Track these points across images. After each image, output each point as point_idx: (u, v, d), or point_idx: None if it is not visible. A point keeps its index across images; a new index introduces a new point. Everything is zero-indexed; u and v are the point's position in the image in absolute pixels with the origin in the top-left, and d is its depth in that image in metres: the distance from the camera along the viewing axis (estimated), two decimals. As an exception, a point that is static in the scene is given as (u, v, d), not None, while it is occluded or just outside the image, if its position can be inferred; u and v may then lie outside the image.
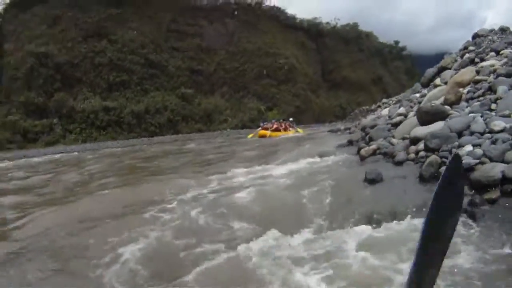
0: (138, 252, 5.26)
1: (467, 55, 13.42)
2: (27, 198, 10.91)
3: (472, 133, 6.32)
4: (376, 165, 7.78)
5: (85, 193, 10.66)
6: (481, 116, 6.96)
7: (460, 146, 6.04)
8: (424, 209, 5.00)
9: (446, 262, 3.66)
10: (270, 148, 18.19)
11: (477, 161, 5.30)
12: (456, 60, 13.94)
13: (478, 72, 10.57)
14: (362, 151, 9.68)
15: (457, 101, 9.22)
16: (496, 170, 4.93)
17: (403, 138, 8.86)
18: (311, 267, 4.20)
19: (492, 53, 11.89)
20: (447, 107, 8.75)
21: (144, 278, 4.61)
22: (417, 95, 14.36)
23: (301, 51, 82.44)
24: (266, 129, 34.97)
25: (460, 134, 6.50)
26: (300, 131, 38.58)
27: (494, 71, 9.87)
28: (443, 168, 5.72)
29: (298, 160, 11.27)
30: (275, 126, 35.83)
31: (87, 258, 5.34)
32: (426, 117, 8.35)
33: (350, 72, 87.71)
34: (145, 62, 63.02)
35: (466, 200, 4.83)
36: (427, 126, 7.88)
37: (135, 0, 65.40)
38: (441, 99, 9.90)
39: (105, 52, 60.49)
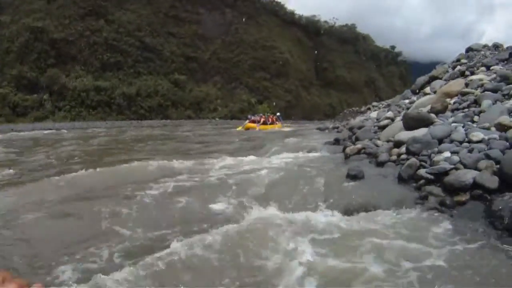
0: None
1: (458, 67, 13.76)
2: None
3: (452, 141, 6.68)
4: (360, 164, 8.13)
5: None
6: (463, 127, 7.33)
7: (439, 152, 6.39)
8: (396, 205, 5.44)
9: (417, 256, 4.00)
10: (257, 141, 18.42)
11: (452, 166, 5.69)
12: (447, 71, 14.27)
13: (467, 85, 10.90)
14: (348, 150, 10.00)
15: (443, 110, 9.56)
16: (468, 176, 5.32)
17: (388, 141, 9.18)
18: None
19: (483, 68, 12.23)
20: (432, 115, 9.07)
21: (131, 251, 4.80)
22: (406, 101, 14.70)
23: (297, 47, 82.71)
24: (254, 122, 35.16)
25: (440, 141, 6.85)
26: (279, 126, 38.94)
27: (482, 85, 10.20)
28: (420, 171, 6.11)
29: (285, 154, 11.57)
30: (262, 119, 36.13)
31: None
32: (412, 122, 8.69)
33: (343, 72, 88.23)
34: (141, 45, 62.94)
35: (437, 200, 5.24)
36: (412, 131, 8.21)
37: (135, -18, 65.21)
38: (429, 107, 10.22)
39: (101, 31, 60.34)
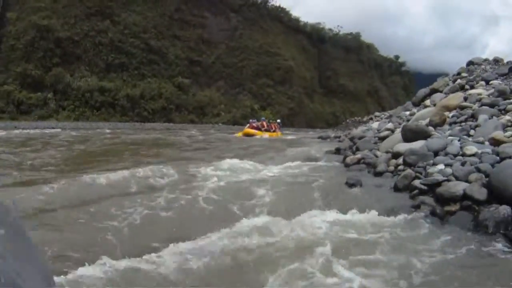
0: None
1: (458, 80, 14.04)
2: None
3: (446, 154, 7.00)
4: (358, 173, 8.47)
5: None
6: (458, 140, 7.64)
7: (434, 164, 6.72)
8: (389, 212, 5.75)
9: (407, 262, 4.30)
10: (257, 148, 18.59)
11: (445, 178, 6.02)
12: (448, 84, 14.53)
13: (465, 99, 11.21)
14: (348, 159, 10.32)
15: (441, 123, 9.87)
16: (458, 187, 5.66)
17: (387, 152, 9.47)
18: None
19: (482, 82, 12.52)
20: (431, 127, 9.39)
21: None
22: (407, 113, 14.96)
23: (301, 54, 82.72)
24: (253, 127, 34.33)
25: (436, 154, 7.17)
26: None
27: (480, 99, 10.50)
28: (414, 181, 6.43)
29: (286, 161, 11.76)
30: (263, 125, 35.37)
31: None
32: (410, 134, 9.01)
33: (347, 81, 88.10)
34: (146, 47, 62.96)
35: (429, 209, 5.57)
36: (410, 143, 8.51)
37: (141, -16, 65.35)
38: (428, 120, 10.52)
39: (107, 32, 60.31)
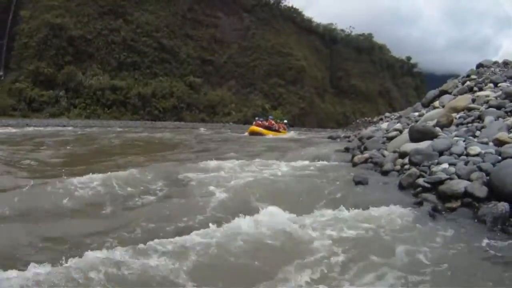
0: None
1: (467, 82, 14.09)
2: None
3: (451, 154, 7.17)
4: (366, 172, 8.68)
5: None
6: (464, 141, 7.80)
7: (439, 163, 6.89)
8: (390, 208, 6.01)
9: (409, 257, 4.50)
10: (266, 147, 18.77)
11: (448, 177, 6.22)
12: (457, 86, 14.60)
13: (473, 100, 11.32)
14: (355, 158, 10.50)
15: (448, 124, 10.00)
16: (460, 185, 5.86)
17: (394, 151, 9.62)
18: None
19: (491, 85, 12.56)
20: (437, 128, 9.54)
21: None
22: (416, 114, 15.05)
23: (313, 54, 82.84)
24: (259, 126, 34.31)
25: (441, 153, 7.34)
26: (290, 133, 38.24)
27: (488, 101, 10.61)
28: (418, 180, 6.63)
29: (296, 160, 11.97)
30: (271, 125, 35.35)
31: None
32: (417, 135, 9.17)
33: (358, 82, 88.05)
34: (158, 46, 63.42)
35: (430, 206, 5.77)
36: (416, 143, 8.68)
37: (154, -17, 65.76)
38: (435, 121, 10.66)
39: (120, 31, 60.86)
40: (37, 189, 7.46)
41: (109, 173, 8.25)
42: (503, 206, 5.19)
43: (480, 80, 13.74)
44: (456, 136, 8.52)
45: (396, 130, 12.44)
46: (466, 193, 5.75)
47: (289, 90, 70.99)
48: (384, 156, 9.90)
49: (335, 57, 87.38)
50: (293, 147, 17.97)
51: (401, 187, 7.07)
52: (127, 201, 7.11)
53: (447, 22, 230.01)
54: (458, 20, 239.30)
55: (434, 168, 6.73)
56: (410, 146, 8.66)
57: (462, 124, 9.75)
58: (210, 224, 5.27)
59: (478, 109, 10.35)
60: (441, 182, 6.17)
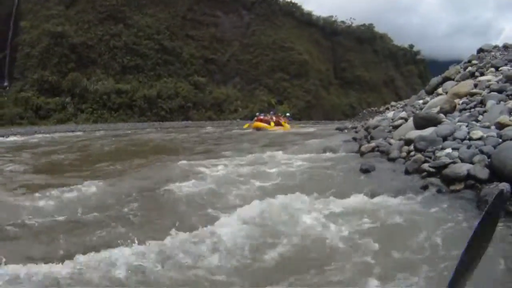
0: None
1: (469, 68, 14.25)
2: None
3: (454, 139, 7.43)
4: (372, 160, 8.97)
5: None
6: (466, 126, 8.04)
7: (443, 148, 7.17)
8: (399, 192, 6.31)
9: (416, 237, 4.77)
10: (277, 140, 19.11)
11: (451, 161, 6.50)
12: (459, 72, 14.77)
13: (475, 86, 11.52)
14: (363, 148, 10.78)
15: (451, 110, 10.23)
16: (463, 168, 6.15)
17: (400, 139, 9.89)
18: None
19: (492, 69, 12.74)
20: (441, 115, 9.77)
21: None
22: (421, 101, 15.24)
23: (315, 47, 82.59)
24: (262, 120, 34.45)
25: (445, 139, 7.60)
26: (296, 127, 38.42)
27: (489, 86, 10.81)
28: (423, 165, 6.90)
29: (306, 151, 12.34)
30: (272, 119, 35.32)
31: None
32: (421, 122, 9.43)
33: (362, 72, 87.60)
34: (160, 48, 63.46)
35: (435, 189, 6.05)
36: (421, 130, 8.93)
37: (152, -14, 65.86)
38: (439, 107, 10.88)
39: (121, 36, 60.93)
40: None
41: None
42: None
43: (481, 65, 13.90)
44: (459, 121, 8.76)
45: (401, 118, 12.67)
46: (469, 176, 6.03)
47: (294, 84, 70.90)
48: (390, 144, 10.16)
49: (338, 49, 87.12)
50: (302, 139, 18.28)
51: (407, 172, 7.37)
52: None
53: (447, 8, 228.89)
54: (457, 5, 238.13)
55: (438, 153, 7.01)
56: (415, 133, 8.92)
57: (465, 109, 9.97)
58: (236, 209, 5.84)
59: (480, 93, 10.55)
60: (445, 166, 6.46)
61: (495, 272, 3.99)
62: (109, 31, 60.45)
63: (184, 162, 11.11)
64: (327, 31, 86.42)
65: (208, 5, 70.90)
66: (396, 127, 11.87)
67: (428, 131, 8.41)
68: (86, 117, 53.37)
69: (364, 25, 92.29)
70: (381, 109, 44.75)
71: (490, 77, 11.74)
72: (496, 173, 5.78)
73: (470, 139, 7.17)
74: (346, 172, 8.30)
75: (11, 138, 30.75)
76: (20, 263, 4.22)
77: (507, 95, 9.54)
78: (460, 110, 10.06)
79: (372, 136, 12.10)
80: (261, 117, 36.17)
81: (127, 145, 20.81)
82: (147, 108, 57.86)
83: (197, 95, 62.80)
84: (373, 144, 10.74)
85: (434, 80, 16.22)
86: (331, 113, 73.45)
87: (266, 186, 7.61)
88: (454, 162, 6.45)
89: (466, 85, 11.77)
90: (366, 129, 14.70)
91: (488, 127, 7.58)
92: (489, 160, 6.08)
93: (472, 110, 9.50)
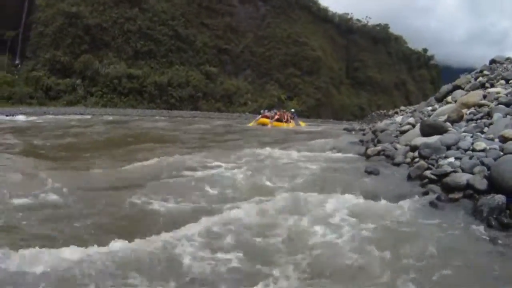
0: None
1: (480, 78, 14.32)
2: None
3: (458, 148, 7.66)
4: (377, 163, 9.21)
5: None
6: (471, 136, 8.25)
7: (446, 157, 7.40)
8: (399, 197, 6.57)
9: (412, 242, 4.99)
10: (280, 138, 19.36)
11: (452, 170, 6.75)
12: (470, 81, 14.87)
13: (484, 97, 11.65)
14: (368, 151, 11.00)
15: (459, 119, 10.40)
16: (463, 178, 6.41)
17: (406, 145, 10.08)
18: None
19: (502, 81, 12.81)
20: (448, 123, 9.96)
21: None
22: (429, 108, 15.34)
23: (329, 44, 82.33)
24: (267, 117, 34.64)
25: (449, 148, 7.83)
26: (302, 124, 38.53)
27: (498, 98, 10.95)
28: (426, 172, 7.14)
29: (313, 151, 12.55)
30: (277, 116, 35.09)
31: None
32: (428, 129, 9.63)
33: (375, 73, 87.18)
34: (174, 34, 63.29)
35: (435, 196, 6.29)
36: (427, 138, 9.14)
37: (169, -28, 65.67)
38: (447, 116, 11.05)
39: (136, 20, 60.86)
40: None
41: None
42: (500, 198, 5.71)
43: (492, 76, 13.95)
44: (465, 131, 8.95)
45: (409, 124, 12.80)
46: (468, 185, 6.29)
47: (305, 81, 70.84)
48: (396, 149, 10.36)
49: (352, 47, 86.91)
50: (309, 139, 18.46)
51: (410, 178, 7.66)
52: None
53: (464, 14, 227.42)
54: (475, 12, 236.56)
55: (441, 162, 7.26)
56: (420, 140, 9.12)
57: (472, 120, 10.12)
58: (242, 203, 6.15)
59: (488, 105, 10.68)
60: (446, 174, 6.72)
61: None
62: (124, 14, 60.45)
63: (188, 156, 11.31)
64: (342, 28, 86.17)
65: (224, -6, 70.74)
66: (403, 132, 12.03)
67: (433, 139, 8.60)
68: (95, 100, 53.67)
69: (379, 24, 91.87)
70: (390, 112, 44.62)
71: (499, 89, 11.82)
72: (494, 185, 6.01)
73: (473, 150, 7.39)
74: (349, 173, 8.56)
75: (19, 118, 31.13)
76: (26, 248, 4.28)
77: (515, 109, 9.69)
78: (467, 120, 10.21)
79: (379, 139, 12.28)
80: (267, 114, 36.29)
81: (139, 134, 20.99)
82: (157, 95, 58.09)
83: (207, 85, 62.91)
84: (379, 147, 10.95)
85: (445, 88, 16.29)
86: (340, 112, 73.48)
87: (267, 186, 7.83)
88: (455, 171, 6.70)
89: (475, 96, 11.90)
90: (374, 132, 14.84)
91: (492, 139, 7.77)
92: (489, 171, 6.33)
93: (479, 121, 9.66)
